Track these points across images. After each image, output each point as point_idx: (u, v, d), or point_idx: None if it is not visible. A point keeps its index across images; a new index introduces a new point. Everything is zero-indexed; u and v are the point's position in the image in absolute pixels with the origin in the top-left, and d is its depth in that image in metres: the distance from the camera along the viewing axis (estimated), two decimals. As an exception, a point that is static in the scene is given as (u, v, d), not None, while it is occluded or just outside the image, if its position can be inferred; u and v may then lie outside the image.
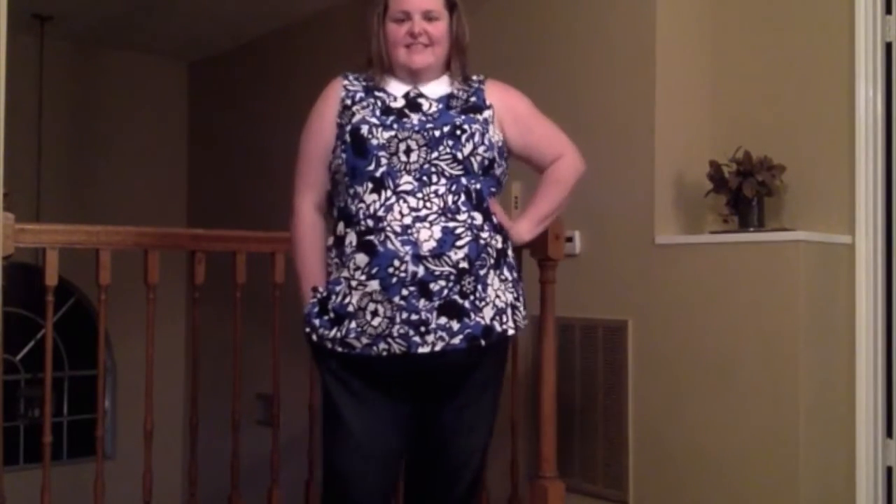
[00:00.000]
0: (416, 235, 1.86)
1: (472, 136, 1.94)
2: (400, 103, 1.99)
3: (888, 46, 2.78)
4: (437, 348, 1.88)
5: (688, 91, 3.14)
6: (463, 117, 1.97)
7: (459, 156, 1.92)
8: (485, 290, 1.92)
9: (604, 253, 3.20)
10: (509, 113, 2.07)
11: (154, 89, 5.65)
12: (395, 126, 1.93)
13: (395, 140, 1.91)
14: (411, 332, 1.87)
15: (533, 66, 3.45)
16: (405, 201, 1.88)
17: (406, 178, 1.90)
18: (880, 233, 2.75)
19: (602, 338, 3.17)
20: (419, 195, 1.89)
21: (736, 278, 2.81)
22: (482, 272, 1.92)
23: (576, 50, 3.33)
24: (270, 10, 4.66)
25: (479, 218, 1.93)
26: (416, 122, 1.95)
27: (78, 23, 4.96)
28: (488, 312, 1.93)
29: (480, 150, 1.95)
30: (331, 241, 1.98)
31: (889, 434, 2.75)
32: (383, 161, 1.90)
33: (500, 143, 2.01)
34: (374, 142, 1.91)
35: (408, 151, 1.91)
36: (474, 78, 2.10)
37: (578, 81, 3.31)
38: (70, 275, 4.44)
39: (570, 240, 3.15)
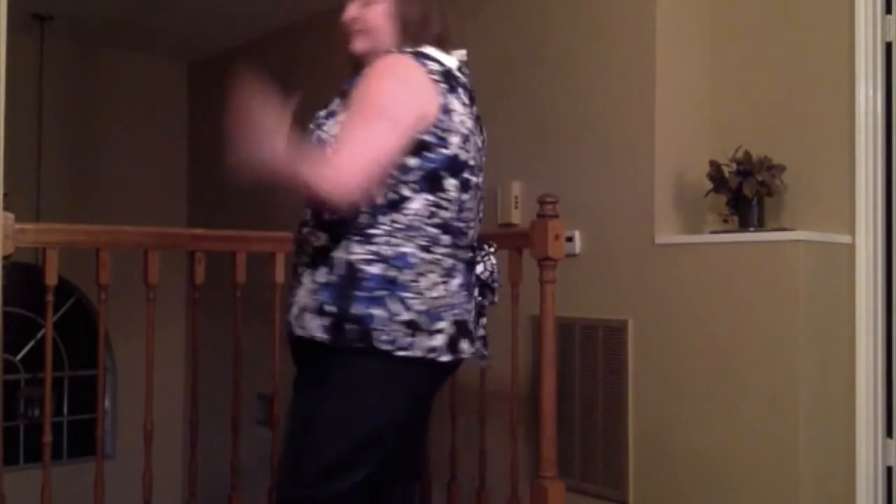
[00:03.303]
0: None
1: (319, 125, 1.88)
2: None
3: (888, 46, 2.78)
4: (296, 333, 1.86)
5: (688, 91, 3.14)
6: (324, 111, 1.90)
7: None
8: (297, 287, 1.85)
9: (604, 253, 3.20)
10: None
11: (154, 89, 5.65)
12: None
13: None
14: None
15: (533, 66, 3.45)
16: None
17: None
18: (880, 233, 2.75)
19: (602, 338, 3.17)
20: None
21: (736, 278, 2.81)
22: (298, 269, 1.87)
23: (576, 49, 3.33)
24: (270, 11, 4.66)
25: (309, 212, 1.86)
26: None
27: (78, 23, 4.96)
28: (294, 311, 1.85)
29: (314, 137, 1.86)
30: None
31: (889, 434, 2.75)
32: None
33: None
34: None
35: None
36: None
37: (579, 81, 3.31)
38: (70, 275, 4.45)
39: (570, 240, 3.15)
